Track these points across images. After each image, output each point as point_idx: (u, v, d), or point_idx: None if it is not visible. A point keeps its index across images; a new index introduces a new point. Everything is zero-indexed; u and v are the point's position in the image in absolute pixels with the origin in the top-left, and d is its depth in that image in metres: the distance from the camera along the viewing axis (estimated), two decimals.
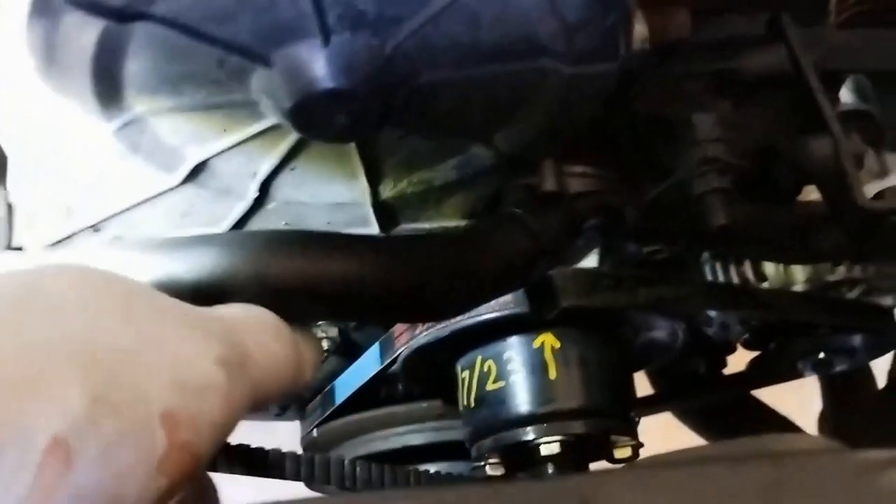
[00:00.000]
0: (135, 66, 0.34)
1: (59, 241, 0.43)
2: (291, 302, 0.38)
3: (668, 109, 0.50)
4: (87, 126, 0.37)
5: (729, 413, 0.90)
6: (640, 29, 0.39)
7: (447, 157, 0.42)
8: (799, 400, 0.98)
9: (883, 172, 0.70)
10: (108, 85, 0.34)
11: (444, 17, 0.33)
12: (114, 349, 0.29)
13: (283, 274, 0.37)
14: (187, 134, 0.38)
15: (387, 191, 0.43)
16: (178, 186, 0.40)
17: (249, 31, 0.32)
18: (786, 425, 0.86)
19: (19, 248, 0.46)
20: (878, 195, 0.55)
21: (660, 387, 0.86)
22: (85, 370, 0.28)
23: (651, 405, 0.85)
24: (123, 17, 0.31)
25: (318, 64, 0.33)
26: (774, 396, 0.88)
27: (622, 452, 0.55)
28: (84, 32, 0.31)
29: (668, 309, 0.56)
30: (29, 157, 0.39)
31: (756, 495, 0.29)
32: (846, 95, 0.69)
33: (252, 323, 0.35)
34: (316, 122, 0.35)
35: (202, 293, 0.35)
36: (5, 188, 0.44)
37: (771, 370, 0.73)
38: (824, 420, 0.95)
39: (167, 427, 0.29)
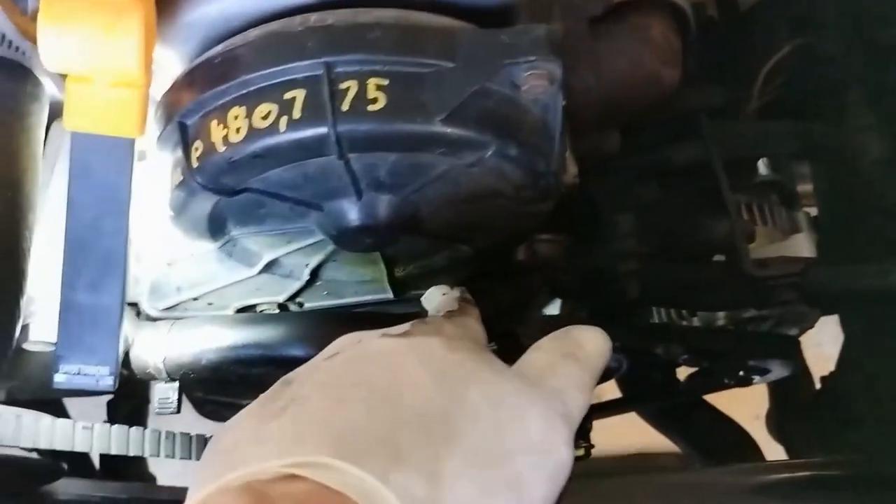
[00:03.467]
0: (235, 213, 0.52)
1: (171, 307, 0.61)
2: None
3: (595, 208, 0.65)
4: (196, 244, 0.55)
5: (683, 413, 1.06)
6: (571, 170, 0.55)
7: (439, 252, 0.59)
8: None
9: (794, 229, 0.86)
10: (217, 225, 0.52)
11: (434, 181, 0.50)
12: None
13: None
14: (264, 245, 0.56)
15: (399, 271, 0.60)
16: (255, 275, 0.58)
17: (311, 193, 0.49)
18: (725, 422, 1.02)
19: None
20: (762, 262, 0.71)
21: (626, 392, 1.03)
22: None
23: (619, 407, 1.02)
24: (235, 192, 0.48)
25: (353, 211, 0.50)
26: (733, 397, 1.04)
27: (577, 452, 0.73)
28: (207, 200, 0.49)
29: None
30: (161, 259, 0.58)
31: None
32: (763, 168, 0.86)
33: None
34: (350, 243, 0.52)
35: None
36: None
37: (704, 382, 0.91)
38: (770, 419, 1.10)
39: None
